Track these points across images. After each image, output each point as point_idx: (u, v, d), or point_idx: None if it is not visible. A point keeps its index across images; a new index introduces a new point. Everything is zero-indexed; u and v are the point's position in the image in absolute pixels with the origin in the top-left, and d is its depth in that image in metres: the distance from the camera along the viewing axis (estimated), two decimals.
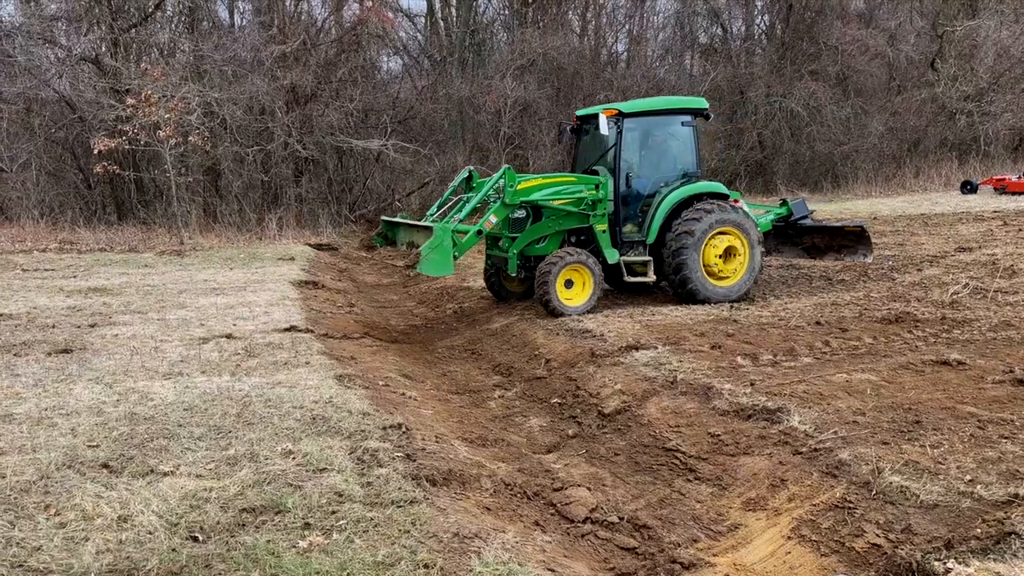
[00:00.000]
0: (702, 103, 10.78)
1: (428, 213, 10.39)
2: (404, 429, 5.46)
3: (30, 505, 4.05)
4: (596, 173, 10.63)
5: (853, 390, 5.95)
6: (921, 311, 8.57)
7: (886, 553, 3.83)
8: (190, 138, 19.36)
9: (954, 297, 9.25)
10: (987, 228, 15.99)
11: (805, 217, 12.31)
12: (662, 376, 6.65)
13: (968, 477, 4.31)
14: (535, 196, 9.85)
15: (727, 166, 32.15)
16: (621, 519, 4.67)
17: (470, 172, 10.51)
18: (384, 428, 5.42)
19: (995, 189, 24.63)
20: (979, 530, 3.81)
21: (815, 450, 4.89)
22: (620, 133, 10.21)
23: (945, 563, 3.53)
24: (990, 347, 7.05)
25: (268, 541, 3.74)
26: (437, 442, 5.41)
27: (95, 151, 18.99)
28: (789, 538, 4.25)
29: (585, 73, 29.77)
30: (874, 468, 4.49)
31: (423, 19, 32.03)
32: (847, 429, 5.11)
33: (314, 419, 5.56)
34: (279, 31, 24.57)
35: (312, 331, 9.13)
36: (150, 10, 23.54)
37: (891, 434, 5.01)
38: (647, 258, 10.31)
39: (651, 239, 10.30)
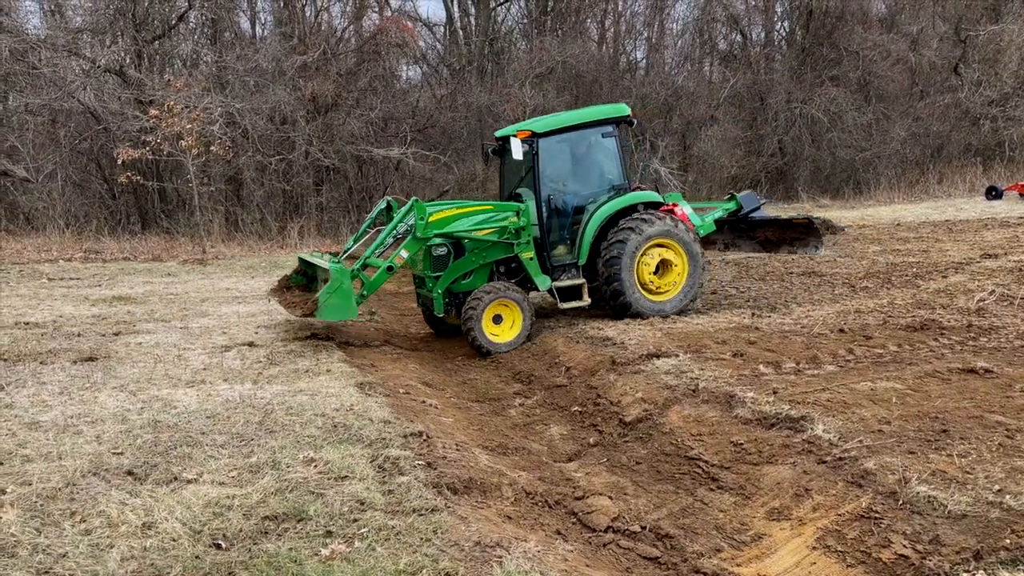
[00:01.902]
0: (623, 110, 10.11)
1: (345, 247, 9.94)
2: (425, 437, 5.46)
3: (56, 512, 4.09)
4: (519, 197, 10.20)
5: (878, 398, 5.87)
6: (947, 318, 8.46)
7: (914, 564, 3.78)
8: (212, 148, 19.57)
9: (980, 304, 9.12)
10: (1013, 234, 15.77)
11: (756, 209, 12.06)
12: (683, 384, 6.61)
13: (997, 487, 4.23)
14: (450, 228, 9.33)
15: (747, 173, 32.02)
16: (643, 528, 4.63)
17: (388, 203, 9.87)
18: (405, 436, 5.43)
19: (1020, 195, 24.33)
20: (1008, 540, 3.75)
21: (840, 459, 4.83)
22: (536, 155, 9.63)
23: (974, 574, 3.48)
24: (1018, 355, 6.93)
25: (290, 549, 3.75)
26: (458, 450, 5.41)
27: (119, 161, 19.27)
28: (814, 548, 4.20)
29: (604, 81, 29.79)
30: (900, 478, 4.42)
31: (442, 28, 32.26)
32: (872, 438, 5.05)
33: (335, 427, 5.58)
34: (300, 41, 24.82)
35: (333, 339, 9.18)
36: (173, 22, 23.87)
37: (917, 443, 4.94)
38: (580, 281, 9.83)
39: (583, 260, 9.83)
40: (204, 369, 7.46)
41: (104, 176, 23.72)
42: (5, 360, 7.69)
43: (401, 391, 7.14)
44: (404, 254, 9.13)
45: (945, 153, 33.20)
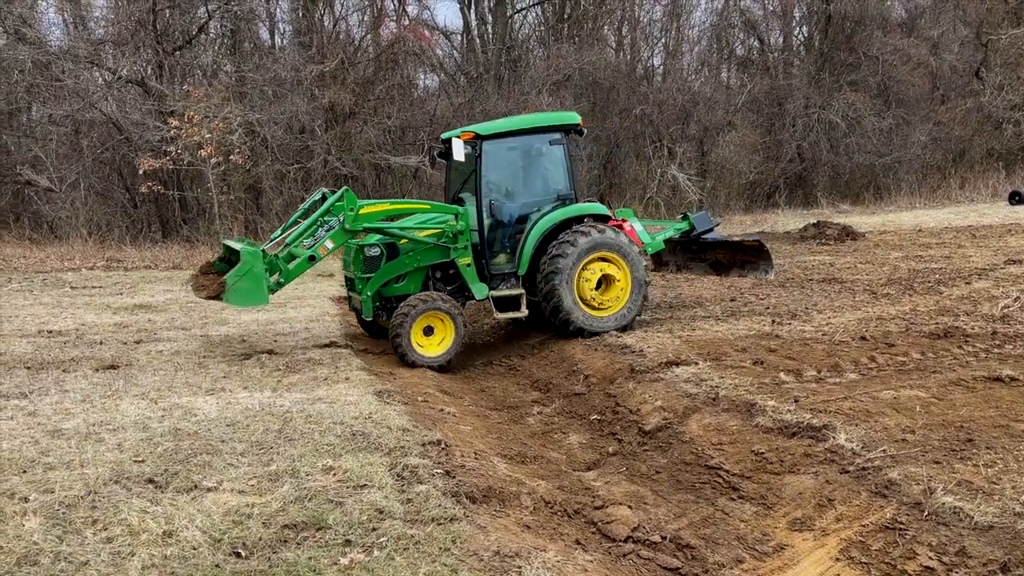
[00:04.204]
0: (573, 118, 9.75)
1: (272, 236, 9.58)
2: (443, 445, 5.45)
3: (78, 520, 4.12)
4: (462, 201, 9.74)
5: (901, 407, 5.80)
6: (971, 325, 8.35)
7: None
8: (232, 157, 19.75)
9: (1005, 311, 9.00)
10: None
11: (709, 231, 11.80)
12: (703, 392, 6.56)
13: None
14: (381, 224, 8.97)
15: (766, 179, 31.85)
16: (663, 538, 4.59)
17: (323, 194, 9.23)
18: (423, 444, 5.42)
19: None
20: None
21: (863, 469, 4.77)
22: (479, 158, 9.21)
23: None
24: None
25: (309, 558, 3.75)
26: (476, 459, 5.39)
27: (140, 171, 19.50)
28: (837, 559, 4.14)
29: (621, 87, 29.74)
30: (925, 488, 4.36)
31: (459, 36, 32.35)
32: (896, 447, 4.98)
33: (354, 435, 5.58)
34: (318, 51, 24.99)
35: (351, 346, 9.21)
36: (194, 33, 24.11)
37: (942, 453, 4.87)
38: (519, 291, 9.40)
39: (523, 270, 9.39)
40: (224, 377, 7.50)
41: (126, 185, 23.98)
42: (29, 368, 7.77)
43: (419, 399, 7.14)
44: (329, 244, 8.63)
45: (967, 158, 32.89)
